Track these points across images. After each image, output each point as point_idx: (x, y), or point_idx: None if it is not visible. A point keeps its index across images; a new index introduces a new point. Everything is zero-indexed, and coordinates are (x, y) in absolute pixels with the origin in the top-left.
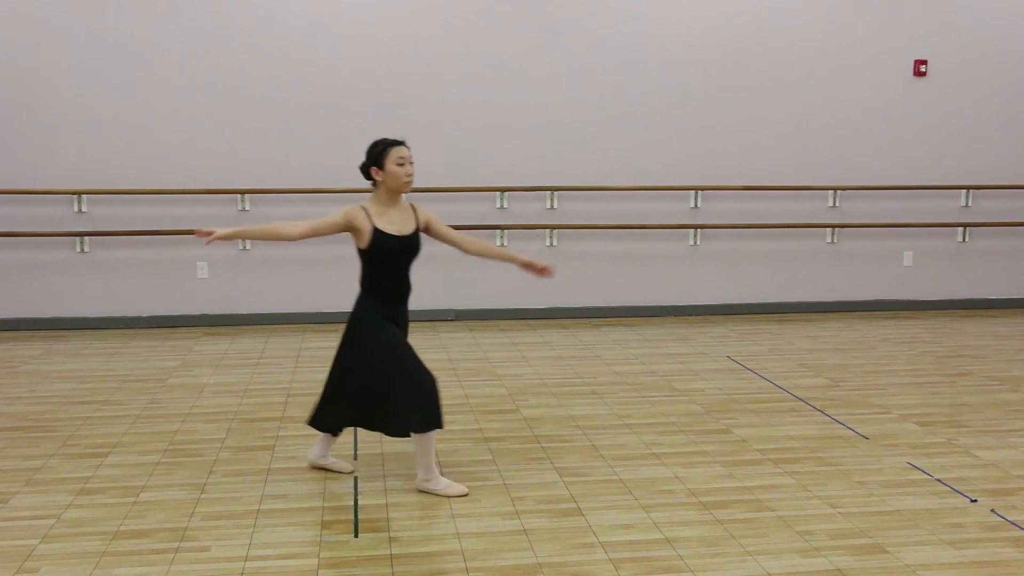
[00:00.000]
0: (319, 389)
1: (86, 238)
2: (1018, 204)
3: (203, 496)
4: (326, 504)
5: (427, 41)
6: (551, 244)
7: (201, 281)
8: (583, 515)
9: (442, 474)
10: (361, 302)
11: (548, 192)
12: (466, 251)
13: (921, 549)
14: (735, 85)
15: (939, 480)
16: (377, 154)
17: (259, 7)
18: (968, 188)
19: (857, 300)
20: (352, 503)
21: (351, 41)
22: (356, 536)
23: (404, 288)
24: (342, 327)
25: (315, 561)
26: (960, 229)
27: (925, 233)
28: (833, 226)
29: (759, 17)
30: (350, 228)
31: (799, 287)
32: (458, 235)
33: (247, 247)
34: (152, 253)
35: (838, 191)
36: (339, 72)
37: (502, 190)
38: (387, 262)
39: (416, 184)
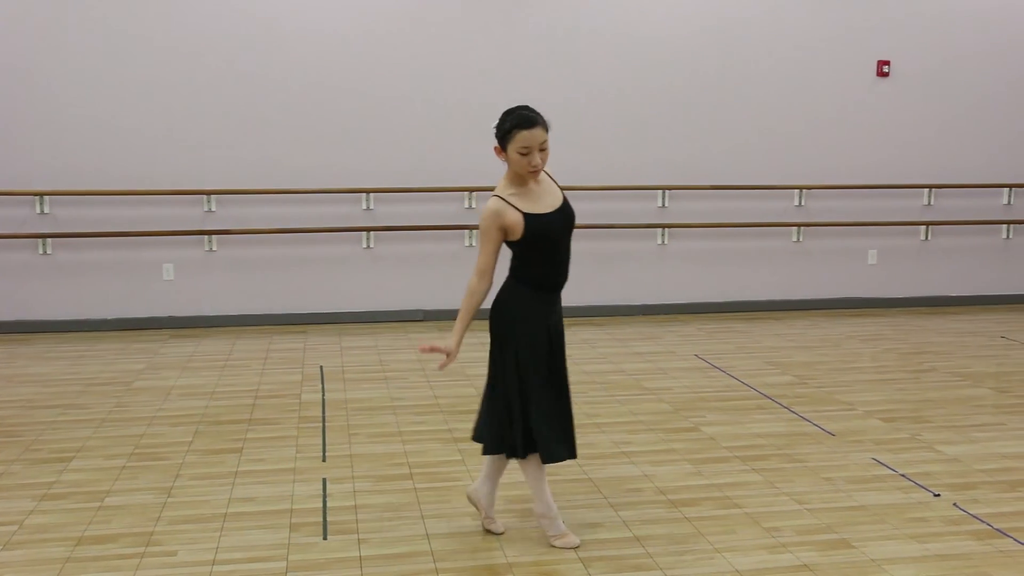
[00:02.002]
0: (289, 390)
1: (49, 240)
2: (979, 203)
3: (170, 500)
4: (294, 506)
5: (395, 40)
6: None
7: (167, 283)
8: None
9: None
10: (516, 295)
11: None
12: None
13: (886, 543)
14: (702, 87)
15: (903, 475)
16: (503, 133)
17: (223, 5)
18: (930, 187)
19: (823, 298)
20: (321, 505)
21: (318, 39)
22: (325, 538)
23: (563, 274)
24: (309, 328)
25: (283, 564)
26: (923, 228)
27: (889, 232)
28: (799, 225)
29: (725, 20)
30: (505, 230)
31: (766, 285)
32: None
33: (214, 248)
34: (117, 255)
35: (804, 190)
36: (306, 70)
37: (470, 190)
38: (549, 244)
39: (383, 184)
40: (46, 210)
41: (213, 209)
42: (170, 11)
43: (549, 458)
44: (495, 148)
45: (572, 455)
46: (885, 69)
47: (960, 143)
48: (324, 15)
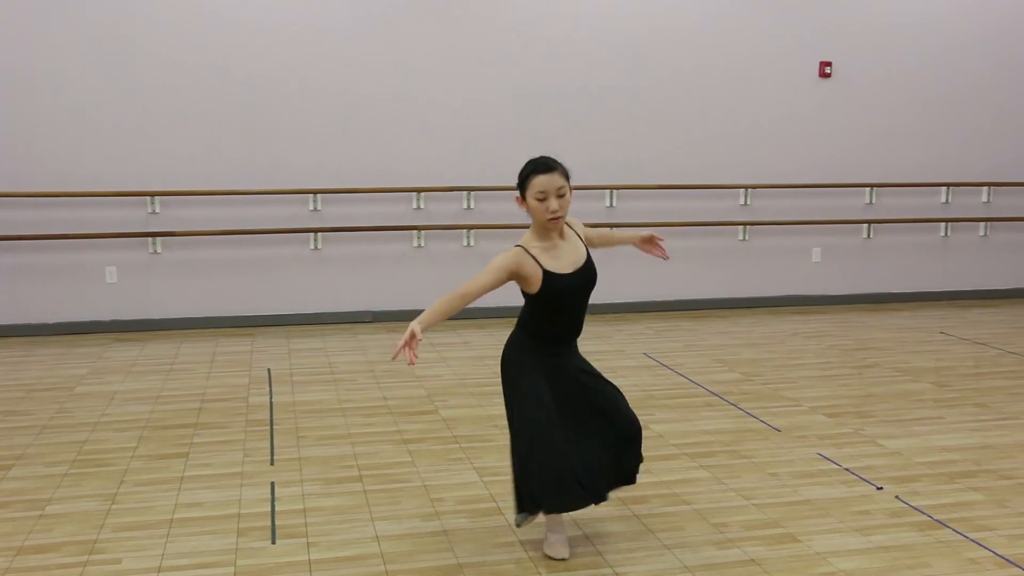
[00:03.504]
0: (236, 394)
1: None
2: (918, 201)
3: (114, 507)
4: (243, 511)
5: (341, 38)
6: (468, 244)
7: (110, 286)
8: (503, 515)
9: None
10: (520, 345)
11: (465, 192)
12: (609, 244)
13: (831, 536)
14: (647, 87)
15: (847, 469)
16: (521, 180)
17: (164, 2)
18: (872, 186)
19: (768, 296)
20: (269, 509)
21: (263, 38)
22: (274, 543)
23: (576, 329)
24: (257, 330)
25: (232, 569)
26: (865, 226)
27: (832, 230)
28: (745, 224)
29: (669, 21)
30: (517, 278)
31: (713, 283)
32: (595, 232)
33: (158, 251)
34: (58, 258)
35: (749, 189)
36: (251, 69)
37: (419, 191)
38: (564, 305)
39: (331, 184)
40: None
41: (157, 211)
42: (110, 9)
43: (550, 509)
44: (516, 199)
45: (586, 502)
46: (827, 70)
47: (900, 143)
48: (269, 13)
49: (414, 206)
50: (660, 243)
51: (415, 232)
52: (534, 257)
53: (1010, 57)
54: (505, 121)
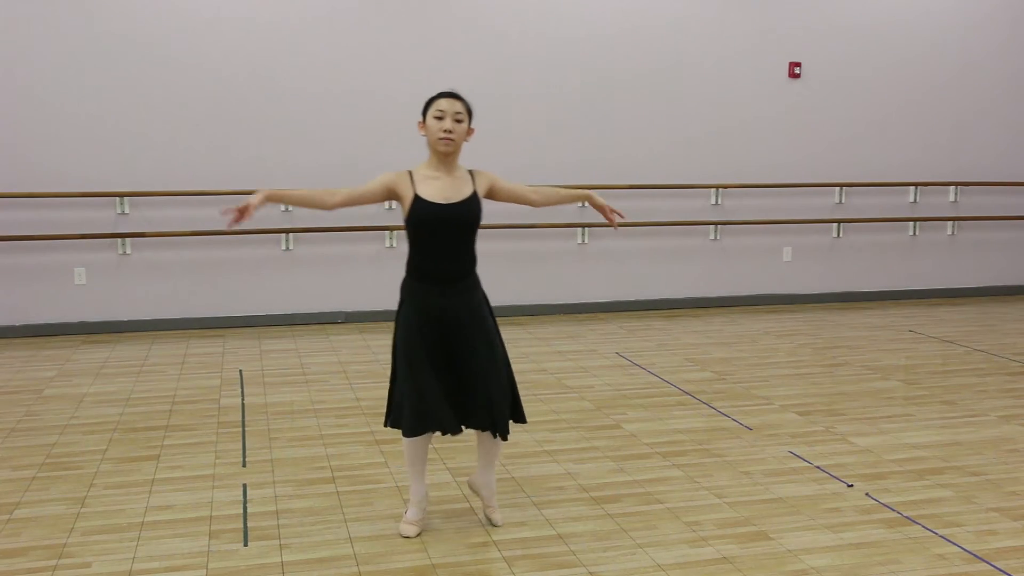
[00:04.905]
0: (207, 395)
1: None
2: (887, 200)
3: (83, 510)
4: (214, 513)
5: (311, 36)
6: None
7: (79, 288)
8: (476, 514)
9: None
10: (403, 284)
11: None
12: (536, 204)
13: (802, 534)
14: (618, 87)
15: (818, 467)
16: (425, 104)
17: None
18: (841, 185)
19: (740, 295)
20: (241, 511)
21: (232, 37)
22: (246, 545)
23: (449, 269)
24: (227, 331)
25: (203, 572)
26: (835, 225)
27: (803, 229)
28: (716, 223)
29: (640, 21)
30: (393, 196)
31: (684, 283)
32: (526, 189)
33: (128, 252)
34: (26, 259)
35: (720, 189)
36: (221, 69)
37: None
38: (428, 235)
39: (302, 185)
40: None
41: (126, 212)
42: (75, 9)
43: (405, 432)
44: (418, 123)
45: (434, 429)
46: (797, 71)
47: (869, 143)
48: (238, 11)
49: (386, 206)
50: (608, 211)
51: (387, 232)
52: (413, 181)
53: (977, 58)
54: (477, 120)
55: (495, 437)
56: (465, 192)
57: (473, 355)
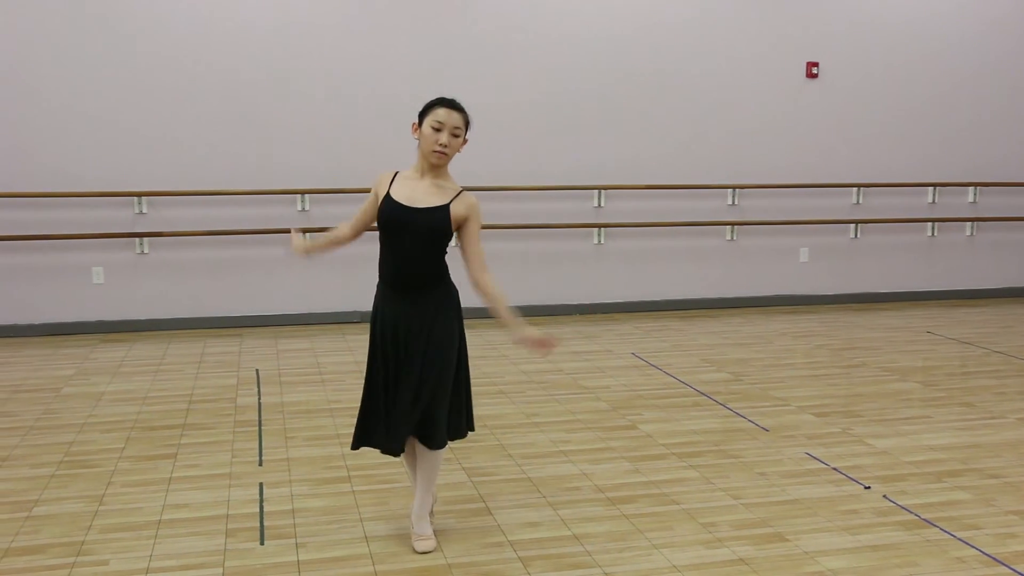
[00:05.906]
0: (224, 394)
1: None
2: (905, 201)
3: (101, 508)
4: (231, 512)
5: (328, 39)
6: (454, 244)
7: (97, 287)
8: (492, 514)
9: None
10: (378, 292)
11: None
12: (472, 280)
13: (819, 536)
14: (636, 88)
15: (835, 469)
16: (424, 108)
17: (153, 3)
18: (859, 186)
19: (756, 296)
20: (258, 510)
21: (250, 38)
22: (262, 544)
23: (407, 275)
24: (244, 331)
25: (220, 571)
26: (852, 226)
27: (820, 230)
28: (732, 224)
29: (657, 21)
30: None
31: (701, 283)
32: (478, 264)
33: (145, 251)
34: (44, 258)
35: (737, 190)
36: (239, 70)
37: None
38: (388, 236)
39: (318, 185)
40: None
41: (144, 211)
42: (95, 9)
43: (353, 446)
44: (413, 125)
45: (372, 446)
46: (814, 71)
47: (887, 143)
48: (255, 14)
49: None
50: (543, 347)
51: None
52: (393, 181)
53: (996, 57)
54: (493, 123)
55: (425, 445)
56: (435, 201)
57: (415, 363)
